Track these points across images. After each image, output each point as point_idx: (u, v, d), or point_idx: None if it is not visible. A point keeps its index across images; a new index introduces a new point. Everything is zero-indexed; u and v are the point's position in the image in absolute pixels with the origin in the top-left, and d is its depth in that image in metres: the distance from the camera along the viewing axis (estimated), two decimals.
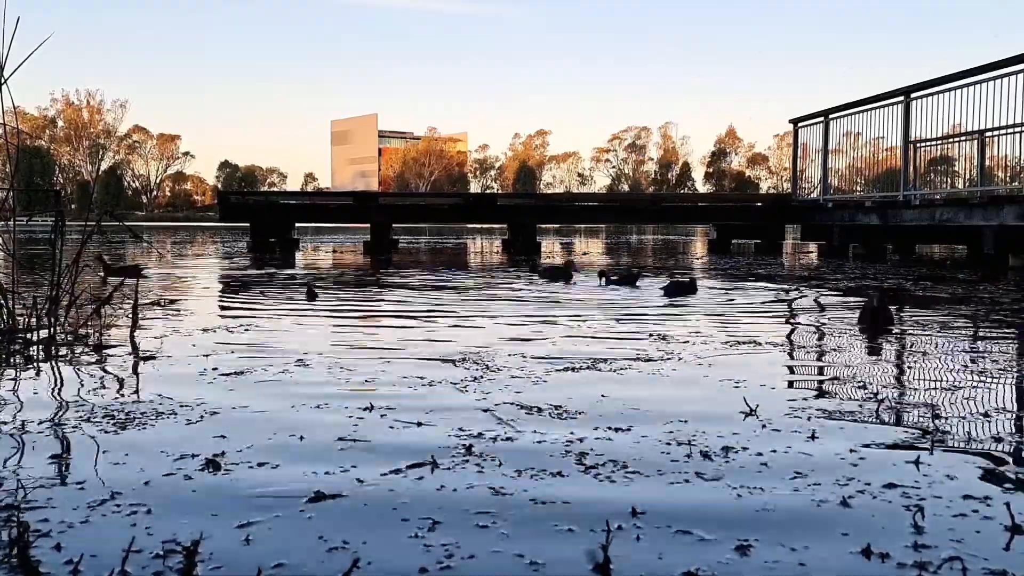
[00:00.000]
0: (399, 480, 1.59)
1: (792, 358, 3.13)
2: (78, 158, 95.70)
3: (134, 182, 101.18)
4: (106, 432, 1.93)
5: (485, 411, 2.15)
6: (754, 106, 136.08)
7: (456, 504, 1.46)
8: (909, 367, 2.96)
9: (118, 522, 1.37)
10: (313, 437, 1.90)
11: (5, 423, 2.02)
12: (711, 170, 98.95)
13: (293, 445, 1.84)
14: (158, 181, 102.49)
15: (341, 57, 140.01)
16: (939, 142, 10.63)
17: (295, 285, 6.30)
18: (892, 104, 10.99)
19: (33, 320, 3.39)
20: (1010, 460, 1.76)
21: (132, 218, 72.06)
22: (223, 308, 5.10)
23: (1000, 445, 1.87)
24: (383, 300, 5.33)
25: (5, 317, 3.35)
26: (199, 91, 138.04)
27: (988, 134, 9.39)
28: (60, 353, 3.04)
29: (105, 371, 2.72)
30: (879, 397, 2.35)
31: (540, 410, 2.16)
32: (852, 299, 5.30)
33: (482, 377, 2.61)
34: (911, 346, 3.40)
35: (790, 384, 2.63)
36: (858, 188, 12.72)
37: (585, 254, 12.97)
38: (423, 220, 14.87)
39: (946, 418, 2.11)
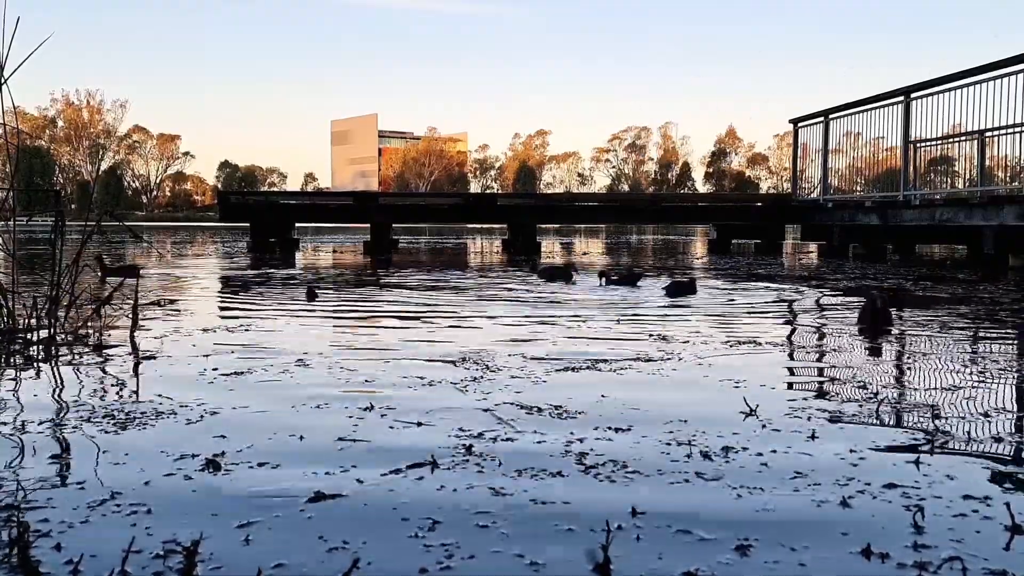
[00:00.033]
0: (399, 480, 1.59)
1: (792, 358, 3.13)
2: (78, 158, 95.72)
3: (134, 182, 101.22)
4: (106, 432, 1.93)
5: (485, 411, 2.15)
6: (754, 106, 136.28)
7: (456, 504, 1.46)
8: (909, 367, 2.96)
9: (118, 522, 1.37)
10: (313, 437, 1.90)
11: (5, 423, 2.02)
12: (711, 170, 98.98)
13: (293, 445, 1.84)
14: (158, 181, 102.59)
15: (341, 57, 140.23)
16: (939, 142, 10.63)
17: (295, 285, 6.30)
18: (892, 104, 10.99)
19: (33, 320, 3.39)
20: (1010, 460, 1.77)
21: (132, 218, 72.07)
22: (223, 308, 5.10)
23: (1000, 445, 1.87)
24: (383, 300, 5.32)
25: (5, 317, 3.35)
26: (199, 91, 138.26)
27: (988, 134, 9.40)
28: (60, 353, 3.04)
29: (105, 371, 2.72)
30: (879, 397, 2.35)
31: (540, 410, 2.16)
32: (852, 299, 5.30)
33: (482, 377, 2.61)
34: (911, 346, 3.40)
35: (790, 384, 2.63)
36: (858, 188, 12.73)
37: (585, 254, 12.97)
38: (423, 220, 14.87)
39: (946, 418, 2.11)
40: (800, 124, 13.73)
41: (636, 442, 1.87)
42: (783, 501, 1.49)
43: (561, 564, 1.22)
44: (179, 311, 4.56)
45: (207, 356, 3.00)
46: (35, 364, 2.84)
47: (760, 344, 3.36)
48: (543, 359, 2.95)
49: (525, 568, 1.21)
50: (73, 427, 1.98)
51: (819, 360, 3.11)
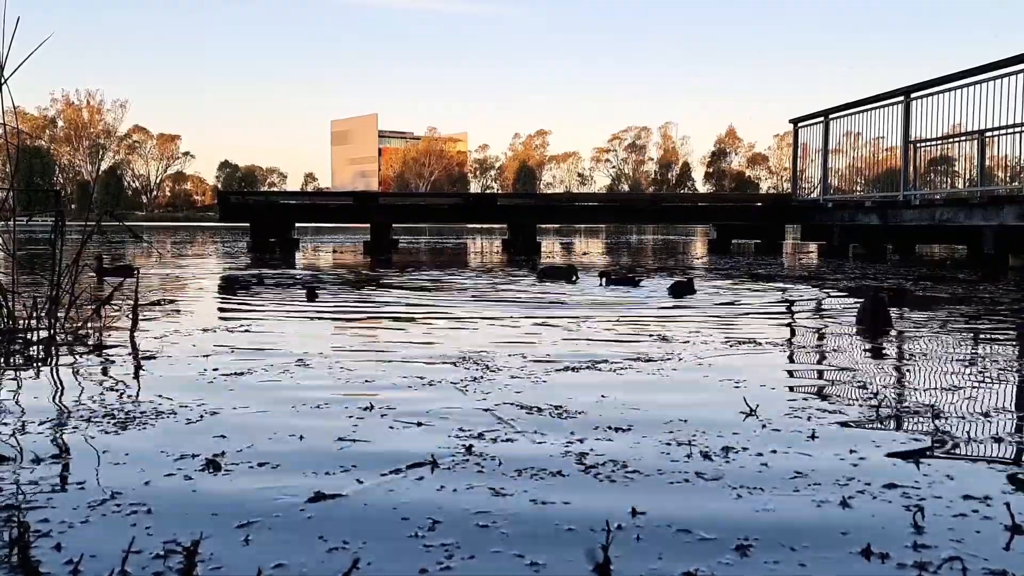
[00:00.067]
0: (399, 480, 1.59)
1: (792, 359, 3.13)
2: (78, 158, 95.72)
3: (134, 182, 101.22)
4: (106, 432, 1.93)
5: (485, 411, 2.15)
6: (754, 106, 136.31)
7: (456, 504, 1.46)
8: (909, 367, 2.96)
9: (118, 522, 1.37)
10: (313, 437, 1.90)
11: (5, 424, 2.02)
12: (711, 170, 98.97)
13: (293, 445, 1.84)
14: (158, 181, 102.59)
15: (341, 57, 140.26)
16: (939, 142, 10.63)
17: (295, 285, 6.30)
18: (892, 104, 10.99)
19: (33, 320, 3.39)
20: (1010, 460, 1.77)
21: (132, 218, 72.06)
22: (223, 308, 5.10)
23: (1000, 445, 1.87)
24: (383, 300, 5.32)
25: (5, 317, 3.35)
26: (199, 91, 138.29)
27: (988, 134, 9.40)
28: (60, 353, 3.04)
29: (105, 371, 2.72)
30: (879, 397, 2.35)
31: (540, 410, 2.16)
32: (852, 299, 5.30)
33: (482, 377, 2.61)
34: (911, 346, 3.40)
35: (790, 384, 2.63)
36: (858, 188, 12.73)
37: (585, 254, 12.97)
38: (423, 220, 14.87)
39: (946, 418, 2.11)
40: (800, 124, 13.73)
41: (636, 442, 1.86)
42: (783, 501, 1.49)
43: (561, 564, 1.22)
44: (179, 311, 4.56)
45: (207, 356, 3.00)
46: (35, 364, 2.84)
47: (760, 344, 3.36)
48: (543, 359, 2.95)
49: (525, 568, 1.21)
50: (73, 427, 1.98)
51: (819, 360, 3.11)
